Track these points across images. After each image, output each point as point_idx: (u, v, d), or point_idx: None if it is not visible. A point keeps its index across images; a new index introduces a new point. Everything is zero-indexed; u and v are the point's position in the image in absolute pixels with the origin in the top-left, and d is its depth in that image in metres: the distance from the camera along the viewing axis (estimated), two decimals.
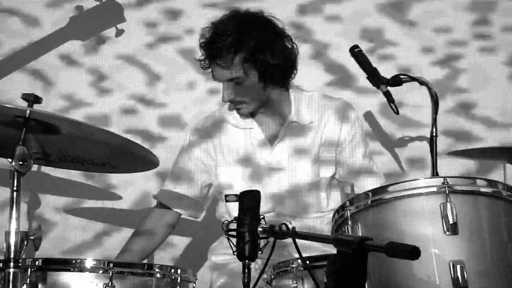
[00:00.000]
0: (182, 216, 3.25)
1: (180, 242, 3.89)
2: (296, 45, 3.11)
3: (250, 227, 2.23)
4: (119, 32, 3.90)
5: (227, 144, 3.18)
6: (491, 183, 2.42)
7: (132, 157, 2.64)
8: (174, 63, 4.03)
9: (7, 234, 2.40)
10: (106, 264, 2.49)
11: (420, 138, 3.84)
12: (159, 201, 3.25)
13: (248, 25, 3.02)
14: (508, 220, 2.41)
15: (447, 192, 2.35)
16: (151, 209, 3.28)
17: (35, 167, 3.40)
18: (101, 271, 2.48)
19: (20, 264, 2.41)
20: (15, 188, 2.42)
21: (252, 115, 3.17)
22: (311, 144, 3.14)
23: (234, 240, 2.27)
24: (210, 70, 3.08)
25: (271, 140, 3.17)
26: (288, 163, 3.13)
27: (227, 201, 3.12)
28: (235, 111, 3.17)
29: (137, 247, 3.13)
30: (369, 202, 2.42)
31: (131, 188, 3.90)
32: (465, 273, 2.28)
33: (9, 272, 2.39)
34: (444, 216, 2.33)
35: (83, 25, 3.92)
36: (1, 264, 2.45)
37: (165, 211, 3.22)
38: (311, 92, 3.23)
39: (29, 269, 2.47)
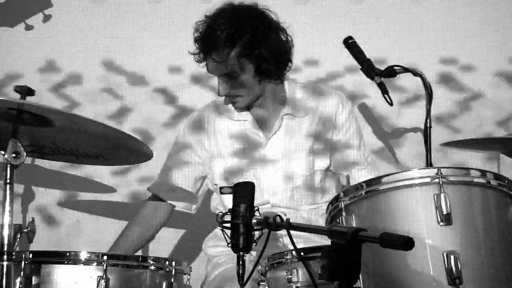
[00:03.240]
0: (176, 208, 3.26)
1: (174, 235, 3.90)
2: (291, 38, 3.11)
3: (244, 219, 2.23)
4: (47, 18, 3.89)
5: (221, 136, 3.18)
6: (485, 173, 2.42)
7: (125, 149, 2.64)
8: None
9: (1, 227, 2.40)
10: (100, 256, 2.49)
11: (415, 129, 3.86)
12: (152, 193, 3.26)
13: (242, 19, 3.01)
14: (502, 210, 2.41)
15: (440, 183, 2.35)
16: (144, 202, 3.28)
17: (29, 160, 3.41)
18: (95, 264, 2.49)
19: (14, 257, 2.41)
20: (8, 181, 2.42)
21: (247, 108, 3.17)
22: (306, 136, 3.15)
23: (228, 232, 2.26)
24: (204, 63, 3.07)
25: (266, 132, 3.16)
26: (283, 155, 3.13)
27: (221, 193, 3.12)
28: (230, 104, 3.17)
29: (131, 239, 3.14)
30: (363, 193, 2.42)
31: (125, 180, 3.90)
32: (458, 263, 2.28)
33: (2, 265, 2.38)
34: (438, 207, 2.33)
35: (10, 12, 3.91)
36: None
37: (159, 203, 3.22)
38: (306, 84, 3.23)
39: (23, 262, 2.47)
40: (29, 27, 3.90)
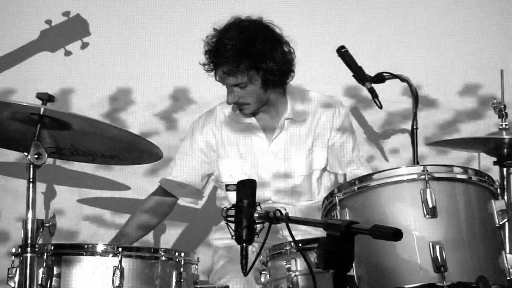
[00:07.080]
0: (184, 203, 3.38)
1: (183, 227, 3.96)
2: (293, 49, 3.23)
3: (247, 213, 2.30)
4: (84, 45, 4.05)
5: (228, 138, 3.30)
6: (467, 170, 2.54)
7: (138, 150, 2.76)
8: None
9: (25, 222, 2.54)
10: (115, 248, 2.59)
11: (402, 131, 3.91)
12: (159, 187, 3.37)
13: (251, 34, 3.11)
14: (482, 203, 2.53)
15: (426, 179, 2.46)
16: (150, 196, 3.38)
17: (50, 161, 3.51)
18: (111, 255, 2.58)
19: (36, 249, 2.54)
20: (31, 180, 2.56)
21: (253, 114, 3.29)
22: (305, 139, 3.27)
23: (232, 225, 2.34)
24: (213, 73, 3.20)
25: (269, 135, 3.29)
26: (284, 156, 3.26)
27: (227, 190, 3.25)
28: (237, 110, 3.29)
29: (136, 226, 3.26)
30: (356, 189, 2.53)
31: (138, 178, 4.01)
32: (443, 252, 2.39)
33: (26, 257, 2.53)
34: (424, 201, 2.44)
35: (52, 38, 4.05)
36: (19, 249, 2.58)
37: (163, 198, 3.34)
38: (306, 91, 3.35)
39: (45, 254, 2.57)
40: (68, 53, 4.06)
